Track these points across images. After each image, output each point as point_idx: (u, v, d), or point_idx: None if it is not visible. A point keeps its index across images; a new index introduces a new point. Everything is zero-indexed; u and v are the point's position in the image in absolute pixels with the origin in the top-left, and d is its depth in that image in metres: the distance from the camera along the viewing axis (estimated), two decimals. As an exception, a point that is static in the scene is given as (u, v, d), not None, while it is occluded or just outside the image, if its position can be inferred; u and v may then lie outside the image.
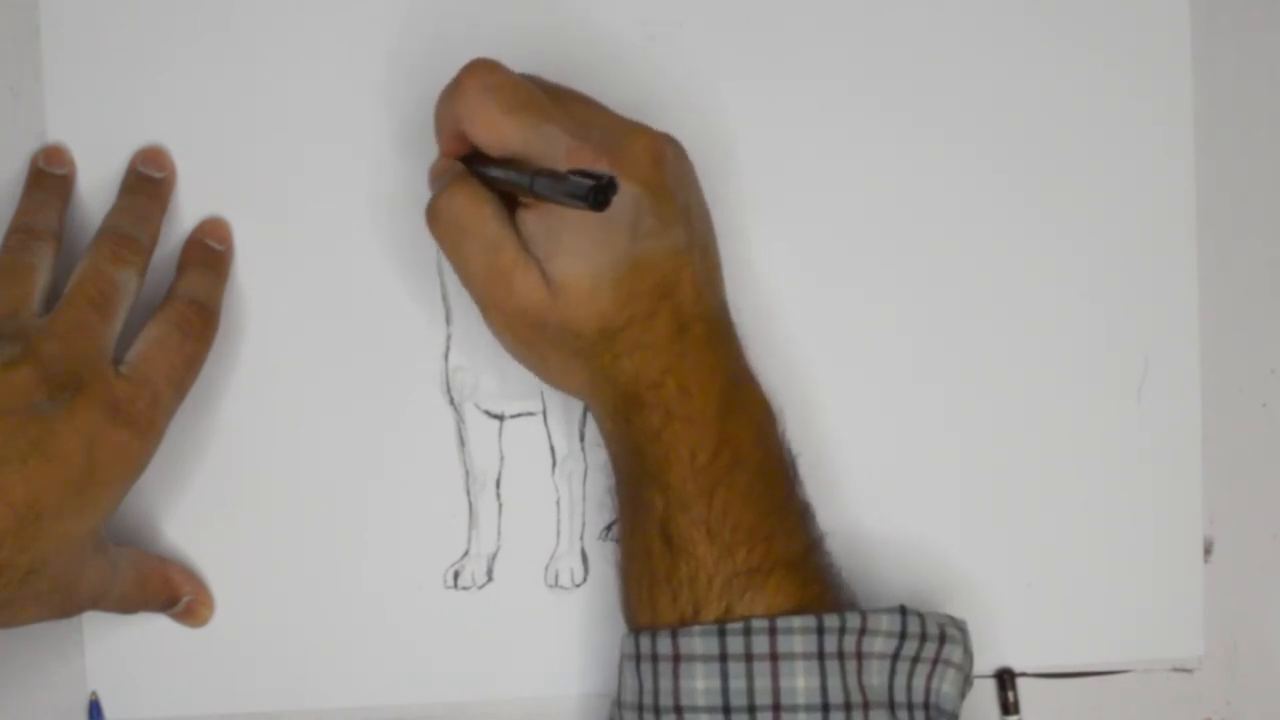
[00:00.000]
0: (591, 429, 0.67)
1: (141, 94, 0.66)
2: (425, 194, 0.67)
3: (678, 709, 0.58)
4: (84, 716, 0.67)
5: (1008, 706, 0.68)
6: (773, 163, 0.66)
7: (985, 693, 0.68)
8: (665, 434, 0.59)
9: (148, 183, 0.65)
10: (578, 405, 0.67)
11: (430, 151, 0.66)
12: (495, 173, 0.59)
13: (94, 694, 0.66)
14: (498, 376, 0.67)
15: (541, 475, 0.67)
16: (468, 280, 0.60)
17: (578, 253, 0.58)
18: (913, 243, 0.68)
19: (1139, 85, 0.68)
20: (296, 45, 0.66)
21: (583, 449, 0.67)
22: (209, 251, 0.66)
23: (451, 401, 0.67)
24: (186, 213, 0.66)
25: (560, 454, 0.67)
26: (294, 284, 0.67)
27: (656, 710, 0.58)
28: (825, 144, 0.67)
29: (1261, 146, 0.69)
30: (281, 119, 0.66)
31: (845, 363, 0.67)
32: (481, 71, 0.59)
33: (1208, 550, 0.69)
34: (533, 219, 0.59)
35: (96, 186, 0.66)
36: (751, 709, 0.57)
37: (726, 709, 0.57)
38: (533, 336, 0.60)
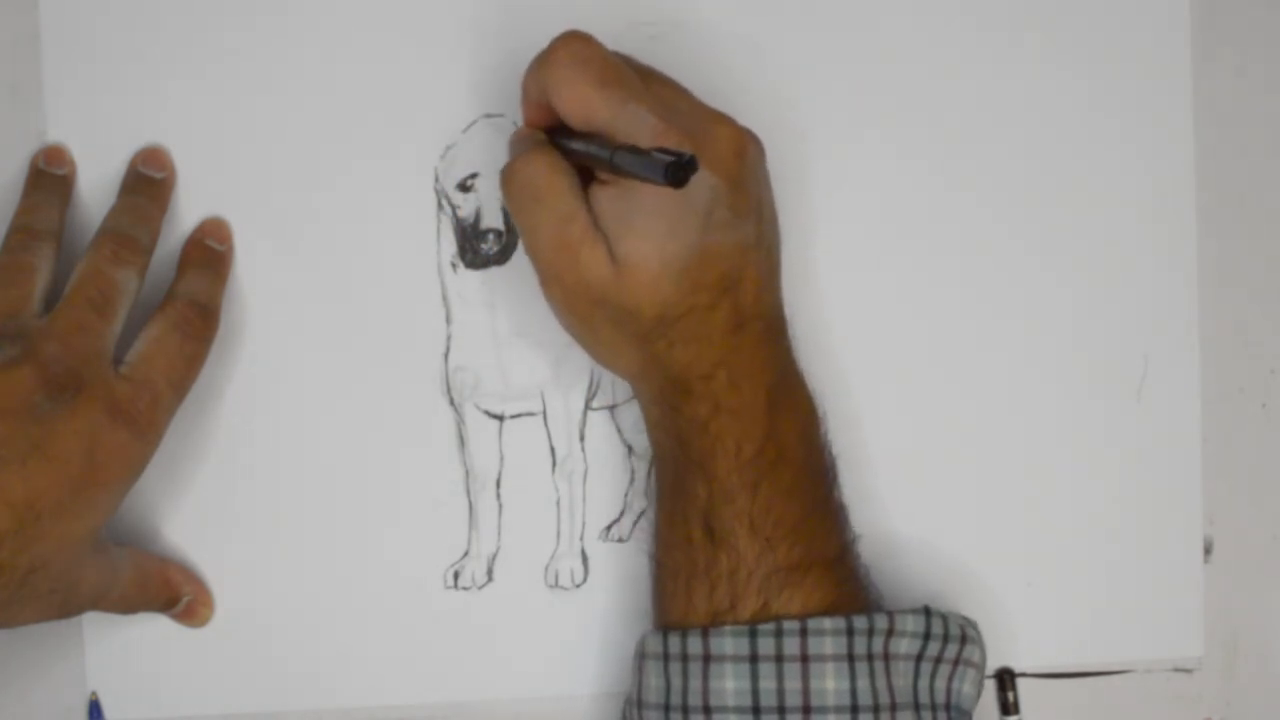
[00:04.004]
0: (591, 429, 0.67)
1: (141, 94, 0.66)
2: (425, 194, 0.67)
3: (706, 709, 0.58)
4: (84, 716, 0.67)
5: (1008, 706, 0.68)
6: (775, 165, 0.66)
7: (985, 693, 0.67)
8: (712, 425, 0.59)
9: (148, 183, 0.65)
10: (578, 405, 0.67)
11: (432, 150, 0.67)
12: (576, 146, 0.59)
13: (94, 694, 0.66)
14: (498, 376, 0.67)
15: (541, 475, 0.67)
16: (533, 248, 0.60)
17: (649, 235, 0.58)
18: (918, 247, 0.68)
19: (1139, 86, 0.68)
20: (296, 45, 0.66)
21: (583, 449, 0.67)
22: (209, 251, 0.66)
23: (451, 401, 0.67)
24: (186, 213, 0.66)
25: (560, 454, 0.67)
26: (294, 284, 0.67)
27: (685, 710, 0.58)
28: (827, 145, 0.67)
29: (1261, 146, 0.69)
30: (282, 119, 0.66)
31: (846, 362, 0.67)
32: (575, 43, 0.59)
33: (1208, 550, 0.69)
34: (607, 196, 0.58)
35: (96, 186, 0.66)
36: (781, 710, 0.57)
37: (756, 710, 0.57)
38: (590, 312, 0.60)
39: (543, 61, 0.59)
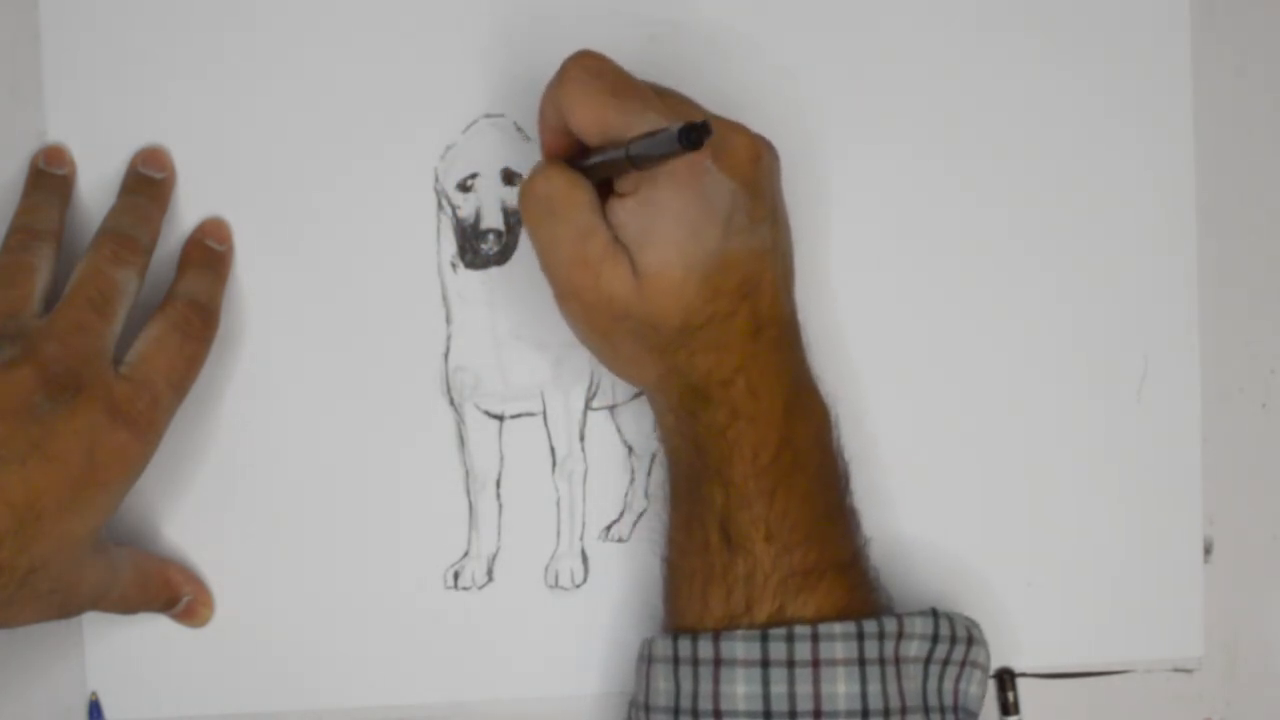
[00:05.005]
0: (591, 429, 0.67)
1: (141, 94, 0.66)
2: (425, 194, 0.67)
3: (717, 713, 0.58)
4: (84, 716, 0.67)
5: (1008, 706, 0.68)
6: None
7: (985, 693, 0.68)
8: (730, 432, 0.59)
9: (148, 183, 0.65)
10: (578, 405, 0.67)
11: (432, 150, 0.67)
12: (595, 159, 0.59)
13: (94, 694, 0.66)
14: (498, 376, 0.67)
15: (541, 475, 0.67)
16: (551, 264, 0.60)
17: (672, 243, 0.58)
18: (916, 248, 0.68)
19: (1139, 85, 0.68)
20: (296, 45, 0.66)
21: (583, 449, 0.67)
22: (209, 251, 0.66)
23: (451, 401, 0.67)
24: (186, 213, 0.66)
25: (560, 454, 0.67)
26: (294, 284, 0.67)
27: (695, 714, 0.58)
28: (827, 145, 0.67)
29: (1261, 146, 0.69)
30: (282, 118, 0.66)
31: (849, 364, 0.67)
32: (587, 59, 0.59)
33: (1208, 550, 0.69)
34: (626, 208, 0.58)
35: (96, 186, 0.66)
36: (793, 715, 0.57)
37: (767, 714, 0.57)
38: (611, 327, 0.60)
39: (556, 81, 0.59)
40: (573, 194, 0.59)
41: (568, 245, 0.59)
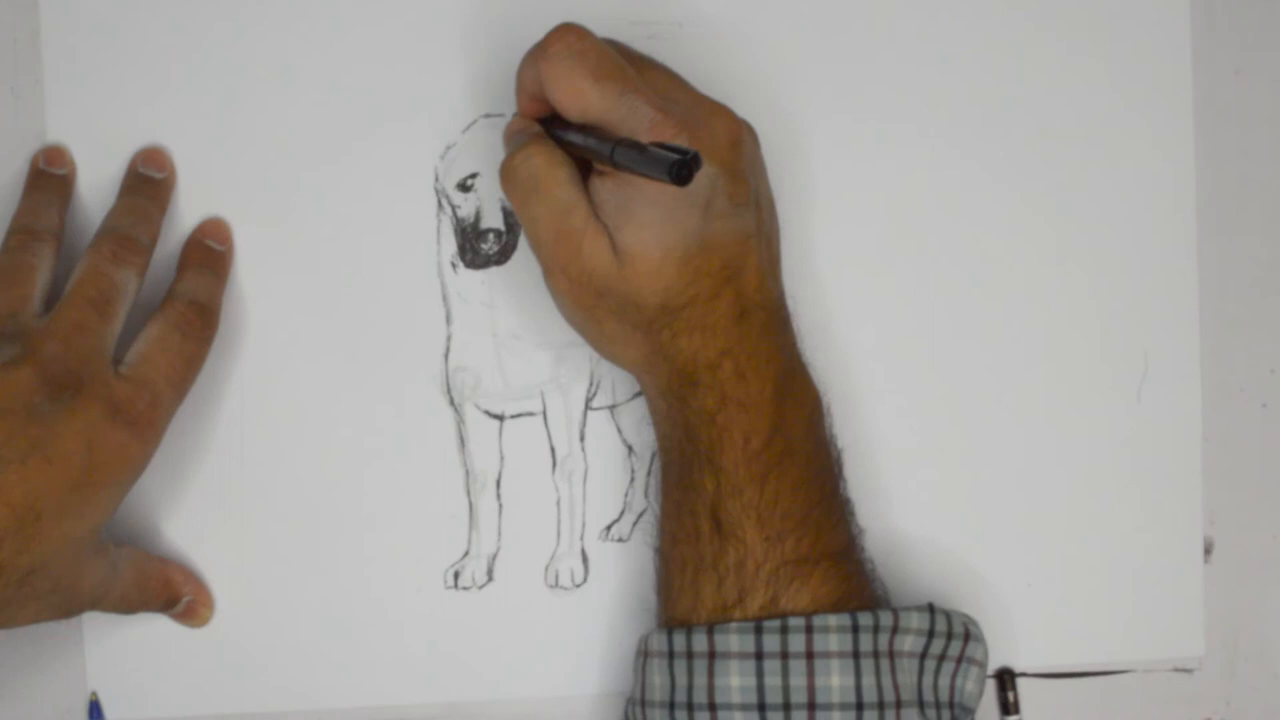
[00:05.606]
0: (591, 429, 0.67)
1: (141, 94, 0.66)
2: (425, 194, 0.67)
3: (712, 706, 0.58)
4: (84, 716, 0.67)
5: (1008, 706, 0.68)
6: (777, 161, 0.66)
7: (985, 692, 0.68)
8: (720, 417, 0.59)
9: (148, 183, 0.65)
10: (578, 405, 0.67)
11: (432, 150, 0.67)
12: (574, 138, 0.59)
13: (94, 694, 0.66)
14: (498, 376, 0.67)
15: (541, 475, 0.67)
16: (535, 240, 0.61)
17: (649, 225, 0.58)
18: (918, 250, 0.68)
19: (1139, 85, 0.68)
20: (296, 46, 0.66)
21: (583, 449, 0.67)
22: (209, 251, 0.66)
23: (451, 401, 0.67)
24: (186, 213, 0.66)
25: (560, 454, 0.67)
26: (294, 284, 0.67)
27: (690, 707, 0.58)
28: (828, 142, 0.67)
29: (1261, 146, 0.69)
30: (282, 119, 0.66)
31: (844, 362, 0.67)
32: (570, 36, 0.59)
33: (1208, 550, 0.69)
34: (606, 187, 0.59)
35: (96, 186, 0.66)
36: (787, 707, 0.57)
37: (761, 706, 0.57)
38: (594, 303, 0.60)
39: (537, 54, 0.59)
40: (553, 171, 0.59)
41: (550, 221, 0.59)
